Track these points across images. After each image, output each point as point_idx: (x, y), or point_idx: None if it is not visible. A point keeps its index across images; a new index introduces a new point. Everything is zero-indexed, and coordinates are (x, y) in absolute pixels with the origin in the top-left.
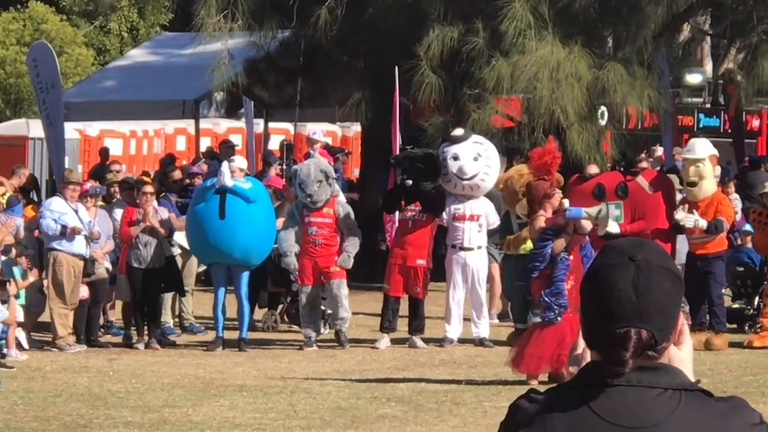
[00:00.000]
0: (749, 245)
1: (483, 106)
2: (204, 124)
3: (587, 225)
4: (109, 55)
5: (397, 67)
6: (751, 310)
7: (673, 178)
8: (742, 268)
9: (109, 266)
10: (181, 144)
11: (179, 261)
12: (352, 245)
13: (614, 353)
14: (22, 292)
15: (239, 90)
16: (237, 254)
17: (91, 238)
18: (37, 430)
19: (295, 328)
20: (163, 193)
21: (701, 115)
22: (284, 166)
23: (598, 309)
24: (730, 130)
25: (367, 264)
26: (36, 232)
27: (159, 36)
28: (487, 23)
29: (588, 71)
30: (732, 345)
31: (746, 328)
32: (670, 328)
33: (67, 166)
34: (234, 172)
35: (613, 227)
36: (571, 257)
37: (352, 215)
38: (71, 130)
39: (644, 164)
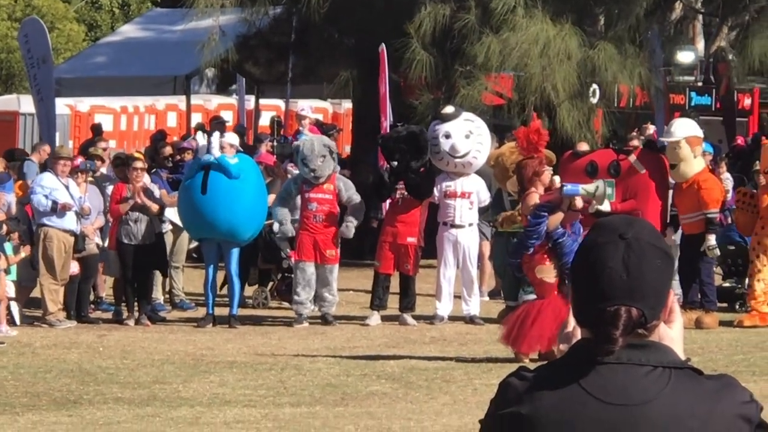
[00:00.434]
0: (735, 224)
1: (473, 84)
2: (195, 100)
3: (580, 202)
4: (101, 31)
5: (383, 45)
6: (742, 289)
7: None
8: (733, 247)
9: (100, 242)
10: (172, 120)
11: (171, 237)
12: (356, 215)
13: (604, 331)
14: (13, 268)
15: (230, 66)
16: (221, 228)
17: (81, 214)
18: (27, 406)
19: (286, 305)
20: (154, 170)
21: (693, 94)
22: (275, 143)
23: (589, 287)
24: (721, 109)
25: (358, 241)
26: (28, 208)
27: (150, 12)
28: (479, 1)
29: (579, 49)
30: (722, 324)
31: (737, 306)
32: (661, 306)
33: (58, 141)
34: (224, 148)
35: (605, 205)
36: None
37: (354, 188)
38: (62, 105)
39: (635, 142)
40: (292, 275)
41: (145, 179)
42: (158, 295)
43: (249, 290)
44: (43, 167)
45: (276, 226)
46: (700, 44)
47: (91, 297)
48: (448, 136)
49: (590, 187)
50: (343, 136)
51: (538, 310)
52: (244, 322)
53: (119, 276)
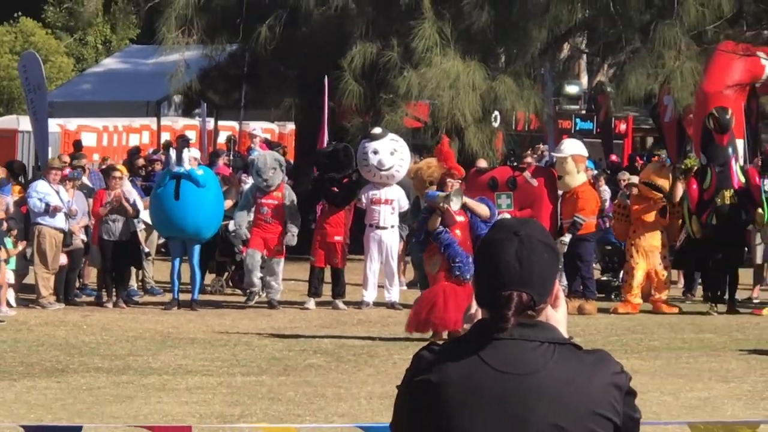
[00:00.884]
0: (612, 229)
1: (396, 110)
2: (164, 121)
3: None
4: (86, 63)
5: (327, 77)
6: (617, 282)
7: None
8: (609, 247)
9: (85, 238)
10: (145, 138)
11: (144, 234)
12: (294, 223)
13: (499, 312)
14: (12, 259)
15: (194, 93)
16: (189, 229)
17: (69, 215)
18: (23, 374)
19: (238, 291)
20: (131, 178)
21: (578, 120)
22: (230, 157)
23: (488, 275)
24: (601, 133)
25: (299, 239)
26: (24, 209)
27: (128, 48)
28: (401, 41)
29: (483, 82)
30: (600, 311)
31: (612, 297)
32: (547, 292)
33: (50, 155)
34: (189, 161)
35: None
36: (459, 232)
37: (295, 202)
38: (54, 125)
39: (529, 160)
40: (244, 265)
41: (126, 186)
42: (133, 283)
43: (208, 279)
44: (13, 174)
45: (231, 226)
46: (584, 78)
47: (77, 284)
48: (376, 153)
49: (443, 193)
50: (287, 152)
51: (434, 296)
52: (203, 305)
53: (100, 267)
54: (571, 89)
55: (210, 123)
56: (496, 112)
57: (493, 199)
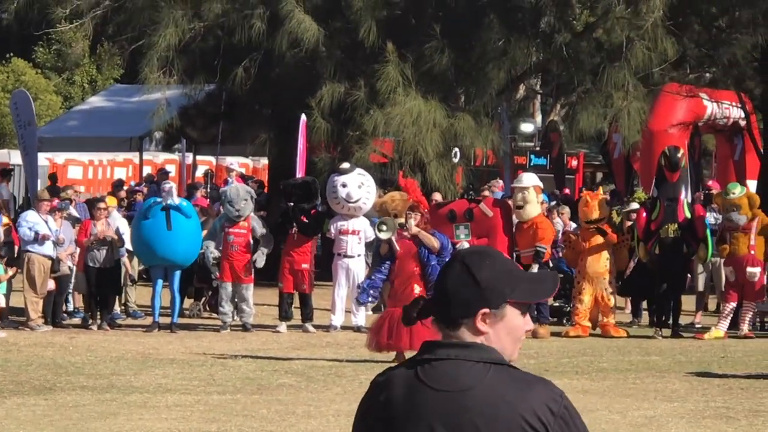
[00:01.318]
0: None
1: (363, 146)
2: (146, 156)
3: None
4: (73, 101)
5: (305, 116)
6: (568, 308)
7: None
8: (561, 275)
9: (71, 265)
10: (129, 171)
11: (128, 260)
12: (266, 246)
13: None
14: (4, 284)
15: (174, 130)
16: (178, 257)
17: (57, 243)
18: (13, 392)
19: (214, 315)
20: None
21: (532, 156)
22: (208, 190)
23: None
24: (553, 168)
25: (272, 266)
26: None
27: (112, 87)
28: (367, 81)
29: (444, 120)
30: (553, 334)
31: (564, 321)
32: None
33: (39, 187)
34: (171, 194)
35: (463, 246)
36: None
37: (267, 230)
38: (43, 159)
39: (486, 193)
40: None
41: (114, 215)
42: (116, 307)
43: (186, 303)
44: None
45: (208, 253)
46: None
47: (65, 307)
48: (344, 186)
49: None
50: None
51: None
52: (182, 328)
53: (86, 292)
54: (526, 127)
55: (189, 157)
56: (456, 149)
57: (452, 230)
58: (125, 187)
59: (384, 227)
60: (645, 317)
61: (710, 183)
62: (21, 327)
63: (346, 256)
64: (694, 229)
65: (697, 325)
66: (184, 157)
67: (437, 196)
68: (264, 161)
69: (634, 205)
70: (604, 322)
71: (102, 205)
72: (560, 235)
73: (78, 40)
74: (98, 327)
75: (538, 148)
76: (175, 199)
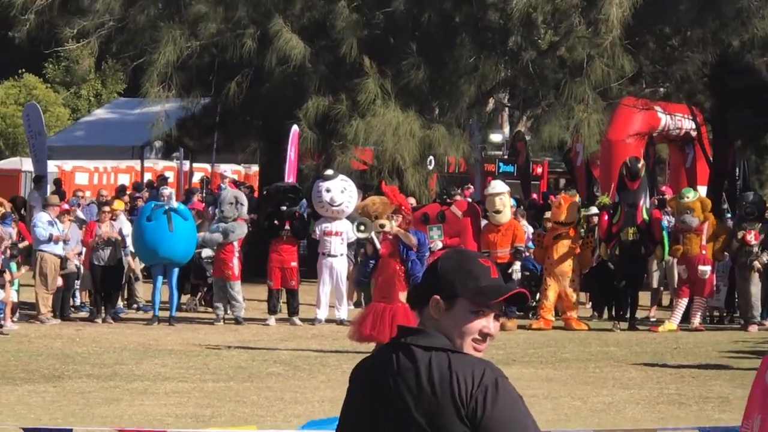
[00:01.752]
0: (533, 257)
1: (345, 154)
2: (147, 163)
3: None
4: (80, 113)
5: (296, 127)
6: (534, 303)
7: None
8: (528, 272)
9: (78, 263)
10: (131, 178)
11: (132, 260)
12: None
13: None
14: (17, 281)
15: (172, 139)
16: (178, 257)
17: (64, 242)
18: (24, 379)
19: (209, 309)
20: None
21: (501, 164)
22: (203, 195)
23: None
24: (519, 175)
25: (263, 265)
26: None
27: (116, 100)
28: (349, 95)
29: (420, 130)
30: (520, 327)
31: (530, 315)
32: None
33: (48, 192)
34: (170, 198)
35: (437, 245)
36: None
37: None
38: (52, 166)
39: (458, 197)
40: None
41: (121, 218)
42: (119, 302)
43: (183, 299)
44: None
45: (204, 254)
46: (506, 128)
47: (72, 302)
48: (328, 191)
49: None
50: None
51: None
52: (180, 321)
53: (91, 288)
54: (495, 137)
55: (186, 165)
56: (431, 157)
57: (426, 230)
58: (128, 192)
59: (362, 227)
60: (604, 312)
61: (664, 189)
62: (32, 320)
63: (330, 255)
64: (652, 232)
65: (652, 319)
66: (181, 164)
67: (412, 201)
68: (255, 168)
69: (593, 209)
70: (567, 316)
71: (106, 208)
72: (526, 236)
73: (84, 57)
74: (103, 320)
75: (506, 157)
76: (174, 204)
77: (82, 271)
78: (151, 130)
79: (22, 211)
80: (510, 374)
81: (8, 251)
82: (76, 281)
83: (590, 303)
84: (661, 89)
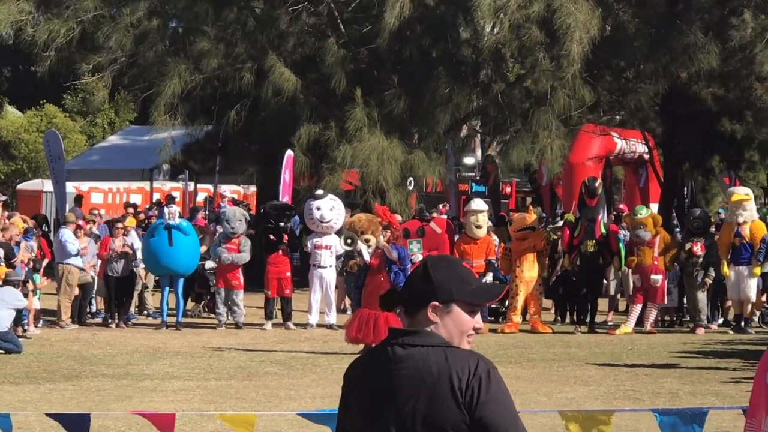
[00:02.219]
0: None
1: (334, 175)
2: (155, 184)
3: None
4: (96, 140)
5: (291, 152)
6: (504, 309)
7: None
8: (497, 282)
9: (94, 274)
10: (141, 197)
11: (144, 272)
12: (247, 255)
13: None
14: (39, 291)
15: (178, 163)
16: (179, 267)
17: (83, 256)
18: (46, 378)
19: (212, 315)
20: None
21: (473, 184)
22: (206, 212)
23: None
24: (490, 194)
25: (260, 276)
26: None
27: (128, 127)
28: (338, 123)
29: (401, 154)
30: (491, 331)
31: (500, 320)
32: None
33: (67, 210)
34: (173, 216)
35: (417, 257)
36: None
37: (249, 246)
38: (70, 187)
39: (435, 214)
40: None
41: (132, 234)
42: (131, 309)
43: (189, 305)
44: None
45: (207, 265)
46: (478, 152)
47: (88, 309)
48: (318, 209)
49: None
50: (250, 209)
51: (355, 317)
52: (185, 326)
53: (106, 296)
54: (468, 160)
55: (191, 186)
56: (411, 178)
57: (407, 245)
58: (139, 210)
59: (348, 240)
60: (567, 316)
61: (620, 206)
62: (52, 325)
63: (320, 266)
64: (609, 244)
65: (609, 323)
66: (187, 185)
67: (398, 217)
68: (252, 189)
69: (560, 223)
70: (533, 320)
71: (119, 225)
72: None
73: (99, 89)
74: (116, 325)
75: (478, 178)
76: (176, 220)
77: (96, 281)
78: (159, 154)
79: (44, 227)
80: None
81: (32, 263)
82: (92, 290)
83: (554, 308)
84: (617, 117)
